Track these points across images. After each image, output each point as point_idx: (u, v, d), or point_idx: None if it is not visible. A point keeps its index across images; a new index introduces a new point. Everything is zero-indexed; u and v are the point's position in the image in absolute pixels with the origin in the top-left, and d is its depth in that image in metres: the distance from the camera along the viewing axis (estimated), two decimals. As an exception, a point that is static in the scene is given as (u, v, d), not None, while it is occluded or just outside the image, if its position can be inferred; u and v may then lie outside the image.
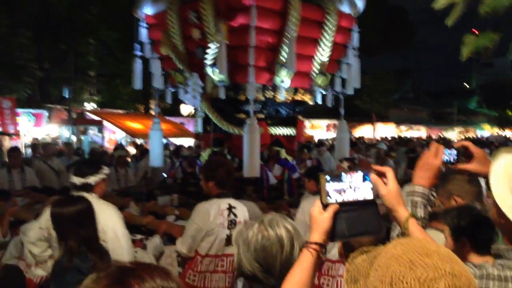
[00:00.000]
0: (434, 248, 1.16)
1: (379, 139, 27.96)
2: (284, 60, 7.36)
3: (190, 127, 22.42)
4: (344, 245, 1.94)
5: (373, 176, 1.65)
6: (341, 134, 8.88)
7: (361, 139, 26.44)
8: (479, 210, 2.27)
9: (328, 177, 1.63)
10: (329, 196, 1.62)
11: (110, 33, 24.11)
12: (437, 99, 49.39)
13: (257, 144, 6.90)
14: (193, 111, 8.06)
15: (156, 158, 8.18)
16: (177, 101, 8.67)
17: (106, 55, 25.92)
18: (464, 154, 1.96)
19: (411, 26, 35.07)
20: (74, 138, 20.45)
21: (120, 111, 24.24)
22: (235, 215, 3.97)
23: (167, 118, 22.78)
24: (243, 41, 7.07)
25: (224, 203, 3.95)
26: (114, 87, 26.48)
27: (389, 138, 28.82)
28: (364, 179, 1.64)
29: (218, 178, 3.96)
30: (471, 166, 1.95)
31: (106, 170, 3.74)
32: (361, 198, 1.63)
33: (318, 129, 29.96)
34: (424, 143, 17.98)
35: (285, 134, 8.21)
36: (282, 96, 7.72)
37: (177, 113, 25.05)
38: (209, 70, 7.41)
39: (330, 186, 1.63)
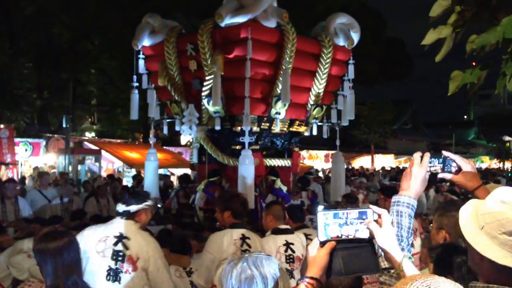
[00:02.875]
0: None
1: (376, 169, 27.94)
2: (279, 92, 7.41)
3: (188, 157, 22.42)
4: (326, 286, 1.92)
5: (367, 220, 1.66)
6: (337, 165, 8.88)
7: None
8: (464, 249, 2.26)
9: (325, 215, 1.64)
10: (326, 234, 1.63)
11: (110, 63, 24.34)
12: (435, 130, 49.53)
13: (252, 176, 6.88)
14: (191, 141, 8.10)
15: (151, 189, 8.13)
16: (176, 131, 8.69)
17: (106, 85, 26.12)
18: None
19: (408, 57, 35.43)
20: (70, 168, 20.39)
21: (118, 141, 24.28)
22: (249, 245, 3.99)
23: (165, 147, 22.79)
24: (239, 73, 7.14)
25: (237, 233, 4.00)
26: (114, 116, 26.59)
27: (388, 169, 28.82)
28: (361, 217, 1.66)
29: (234, 209, 4.07)
30: (455, 178, 2.02)
31: (149, 202, 3.98)
32: (357, 236, 1.64)
33: (316, 160, 29.94)
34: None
35: (280, 165, 8.19)
36: (277, 128, 7.74)
37: (176, 143, 25.08)
38: (205, 101, 7.45)
39: (327, 224, 1.64)
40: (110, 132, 26.10)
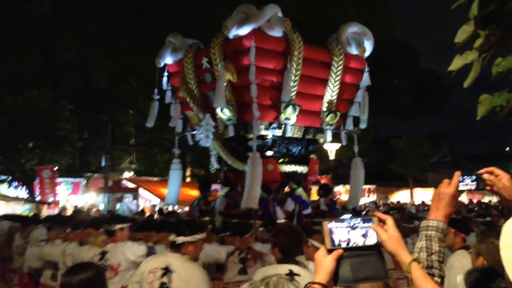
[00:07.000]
0: None
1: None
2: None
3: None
4: None
5: (372, 225, 1.69)
6: (356, 171, 8.92)
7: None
8: (500, 274, 2.07)
9: (330, 223, 1.68)
10: (333, 242, 1.67)
11: (148, 104, 25.12)
12: (476, 162, 47.95)
13: (258, 177, 7.05)
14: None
15: (171, 197, 8.37)
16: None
17: (144, 125, 26.84)
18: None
19: (443, 89, 34.98)
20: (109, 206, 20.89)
21: (155, 179, 24.81)
22: (298, 283, 3.57)
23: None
24: (248, 81, 7.43)
25: (284, 268, 3.62)
26: (151, 155, 27.27)
27: (428, 203, 28.05)
28: (366, 225, 1.69)
29: (281, 244, 3.79)
30: (494, 189, 1.91)
31: (199, 235, 3.89)
32: (365, 243, 1.67)
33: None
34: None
35: (297, 171, 8.33)
36: (288, 133, 7.92)
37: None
38: (218, 110, 7.77)
39: (333, 232, 1.67)
40: (148, 171, 26.71)
